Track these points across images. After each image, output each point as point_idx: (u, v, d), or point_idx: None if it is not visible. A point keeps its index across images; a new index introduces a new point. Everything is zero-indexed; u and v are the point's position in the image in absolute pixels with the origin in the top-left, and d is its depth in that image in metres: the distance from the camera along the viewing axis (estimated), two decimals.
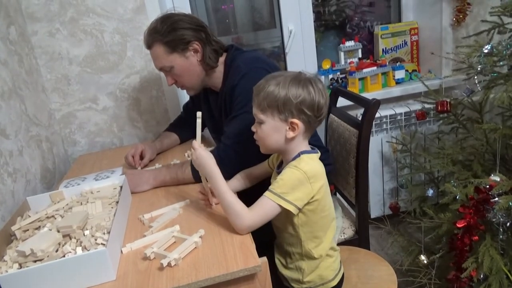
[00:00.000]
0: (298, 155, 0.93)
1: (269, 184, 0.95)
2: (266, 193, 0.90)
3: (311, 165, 0.91)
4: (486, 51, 1.35)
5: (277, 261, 1.06)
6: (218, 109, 1.36)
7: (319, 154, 0.97)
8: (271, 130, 0.92)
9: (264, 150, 0.99)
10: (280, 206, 0.88)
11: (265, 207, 0.89)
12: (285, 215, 0.92)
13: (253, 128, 0.97)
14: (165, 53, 1.25)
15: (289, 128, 0.91)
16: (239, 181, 1.13)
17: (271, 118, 0.91)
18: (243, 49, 1.34)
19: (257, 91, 0.93)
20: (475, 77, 1.40)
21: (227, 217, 0.91)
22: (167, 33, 1.22)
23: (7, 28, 1.39)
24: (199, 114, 0.99)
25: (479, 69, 1.38)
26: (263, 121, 0.92)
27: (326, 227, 0.98)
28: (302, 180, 0.88)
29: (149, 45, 1.27)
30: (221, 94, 1.32)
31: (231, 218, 0.90)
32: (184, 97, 1.79)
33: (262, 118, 0.92)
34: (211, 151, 1.22)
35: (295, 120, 0.90)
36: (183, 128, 1.58)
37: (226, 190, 0.92)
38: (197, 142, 0.99)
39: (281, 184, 0.89)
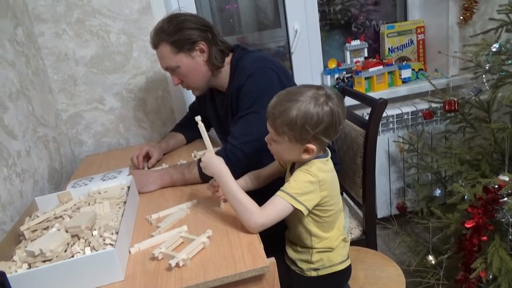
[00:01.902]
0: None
1: (279, 185, 0.95)
2: (279, 193, 0.90)
3: (322, 170, 0.92)
4: (494, 49, 1.34)
5: (287, 248, 1.06)
6: (224, 109, 1.36)
7: (329, 155, 0.97)
8: (286, 150, 0.93)
9: (277, 159, 1.03)
10: (292, 206, 0.89)
11: (278, 206, 0.89)
12: (295, 215, 0.93)
13: (267, 140, 0.96)
14: (171, 52, 1.25)
15: (303, 151, 0.91)
16: (248, 181, 1.12)
17: (288, 141, 0.90)
18: (249, 49, 1.34)
19: (272, 112, 0.90)
20: (483, 76, 1.39)
21: (238, 216, 0.91)
22: (173, 33, 1.22)
23: (14, 29, 1.40)
24: (198, 118, 0.97)
25: (487, 67, 1.37)
26: (278, 141, 0.93)
27: (333, 223, 0.99)
28: (313, 183, 0.90)
29: (155, 45, 1.27)
30: (227, 94, 1.32)
31: (243, 216, 0.89)
32: (190, 97, 1.80)
33: (277, 139, 0.92)
34: (218, 152, 1.22)
35: (311, 146, 0.90)
36: (189, 128, 1.58)
37: (237, 188, 0.92)
38: (208, 149, 1.00)
39: (293, 185, 0.90)
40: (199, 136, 1.65)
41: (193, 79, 1.31)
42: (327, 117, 0.87)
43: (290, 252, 1.05)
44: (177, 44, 1.23)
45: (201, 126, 0.98)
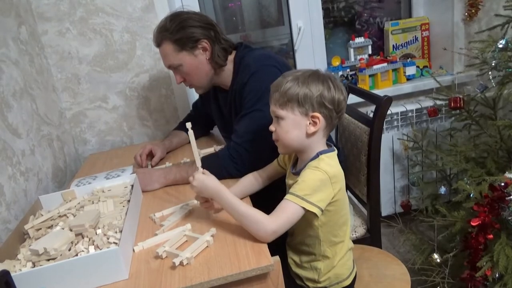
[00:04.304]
0: (317, 155, 0.91)
1: (280, 186, 0.93)
2: (288, 196, 0.86)
3: (331, 165, 0.89)
4: (500, 46, 1.33)
5: (290, 261, 1.04)
6: (228, 107, 1.36)
7: (336, 151, 0.95)
8: (291, 126, 0.90)
9: (283, 150, 0.96)
10: (304, 208, 0.85)
11: (288, 211, 0.85)
12: (304, 217, 0.88)
13: (271, 127, 0.94)
14: (174, 51, 1.24)
15: (310, 123, 0.89)
16: (247, 184, 1.09)
17: (291, 113, 0.89)
18: (252, 47, 1.33)
19: (275, 88, 0.91)
20: (489, 72, 1.38)
21: (247, 228, 0.86)
22: (176, 31, 1.22)
23: (18, 28, 1.40)
24: (188, 125, 0.93)
25: (493, 64, 1.35)
26: (282, 117, 0.90)
27: (344, 226, 0.97)
28: (324, 181, 0.86)
29: (158, 43, 1.27)
30: (231, 92, 1.31)
31: (252, 227, 0.85)
32: (194, 95, 1.79)
33: (282, 114, 0.90)
34: (221, 151, 1.22)
35: (316, 114, 0.88)
36: (192, 127, 1.57)
37: (238, 202, 0.87)
38: (196, 163, 0.96)
39: (303, 186, 0.86)
40: (202, 135, 1.64)
41: (195, 77, 1.30)
42: (328, 90, 0.88)
43: (294, 267, 1.02)
44: (180, 43, 1.23)
45: (191, 135, 0.94)
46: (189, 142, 1.56)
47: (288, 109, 0.89)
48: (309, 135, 0.90)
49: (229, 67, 1.31)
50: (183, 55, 1.24)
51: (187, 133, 1.53)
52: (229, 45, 1.30)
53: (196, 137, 1.59)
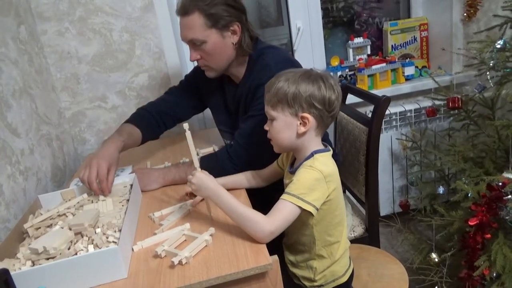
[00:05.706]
0: (312, 154, 0.91)
1: (278, 187, 0.93)
2: (284, 196, 0.87)
3: (325, 164, 0.89)
4: (498, 46, 1.33)
5: (286, 260, 1.04)
6: (236, 102, 1.30)
7: (331, 151, 0.95)
8: (282, 127, 0.91)
9: (277, 149, 0.97)
10: (300, 207, 0.85)
11: (284, 210, 0.85)
12: (299, 216, 0.89)
13: (266, 127, 0.95)
14: (203, 25, 1.14)
15: (300, 123, 0.90)
16: (246, 178, 1.10)
17: (282, 114, 0.90)
18: (268, 44, 1.28)
19: (268, 89, 0.92)
20: (488, 72, 1.38)
21: (245, 229, 0.86)
22: (212, 5, 1.13)
23: (17, 28, 1.40)
24: (186, 126, 0.90)
25: (491, 64, 1.36)
26: (274, 118, 0.91)
27: (340, 226, 0.97)
28: (319, 180, 0.86)
29: (186, 12, 1.14)
30: (242, 87, 1.25)
31: (250, 228, 0.85)
32: None
33: (273, 114, 0.91)
34: (220, 150, 1.21)
35: (306, 114, 0.89)
36: (149, 126, 1.40)
37: (235, 203, 0.88)
38: (194, 164, 0.95)
39: (298, 185, 0.86)
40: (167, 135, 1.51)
41: (215, 58, 1.21)
42: (318, 90, 0.88)
43: (291, 266, 1.03)
44: (212, 18, 1.14)
45: (189, 136, 0.91)
46: (142, 143, 1.36)
47: (279, 110, 0.90)
48: (299, 135, 0.91)
49: (245, 59, 1.25)
50: (211, 32, 1.16)
51: (152, 132, 1.39)
52: (255, 35, 1.24)
53: (151, 138, 1.42)
